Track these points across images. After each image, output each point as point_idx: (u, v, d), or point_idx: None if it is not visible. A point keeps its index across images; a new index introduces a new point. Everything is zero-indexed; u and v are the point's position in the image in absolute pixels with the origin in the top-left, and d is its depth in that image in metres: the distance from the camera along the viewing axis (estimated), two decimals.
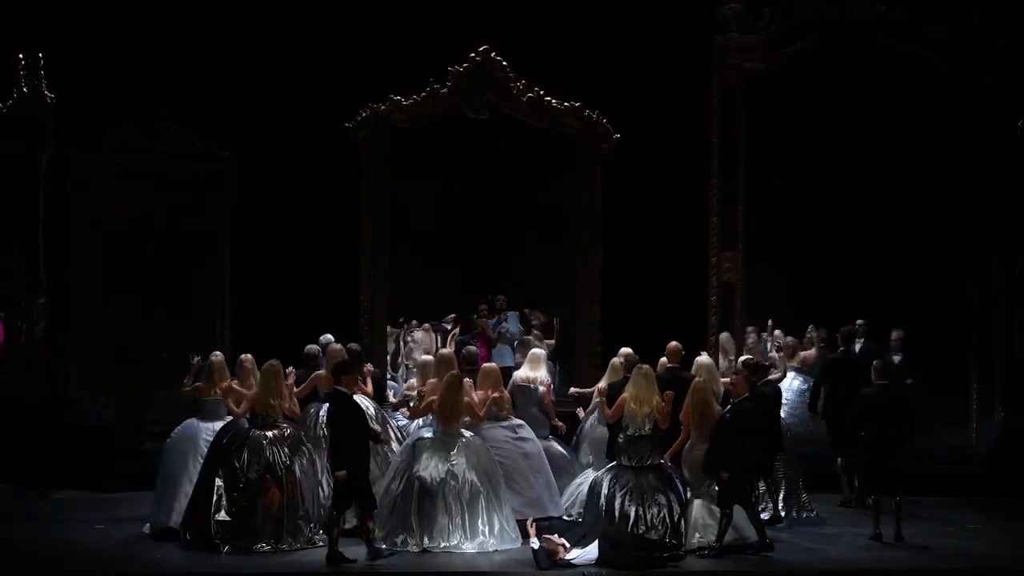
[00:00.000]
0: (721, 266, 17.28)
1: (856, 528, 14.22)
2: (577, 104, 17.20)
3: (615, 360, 14.72)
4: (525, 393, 14.95)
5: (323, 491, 13.47)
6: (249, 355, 14.13)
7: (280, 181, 17.80)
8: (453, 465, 13.38)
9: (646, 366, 13.67)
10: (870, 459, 13.83)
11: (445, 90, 17.23)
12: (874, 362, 14.22)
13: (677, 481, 13.46)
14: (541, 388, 14.96)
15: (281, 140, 17.54)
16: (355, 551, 12.79)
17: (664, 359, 14.74)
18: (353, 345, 15.14)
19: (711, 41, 17.21)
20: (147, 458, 15.13)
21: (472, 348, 15.55)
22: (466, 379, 13.86)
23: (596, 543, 12.64)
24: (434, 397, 13.57)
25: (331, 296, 17.53)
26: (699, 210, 17.63)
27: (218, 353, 14.35)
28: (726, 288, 17.27)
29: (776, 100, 17.26)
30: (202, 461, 13.57)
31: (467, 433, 13.63)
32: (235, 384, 14.01)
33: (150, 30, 17.58)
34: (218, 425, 13.74)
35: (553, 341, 18.18)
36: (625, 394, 13.40)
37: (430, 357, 14.89)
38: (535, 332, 18.29)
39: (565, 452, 15.06)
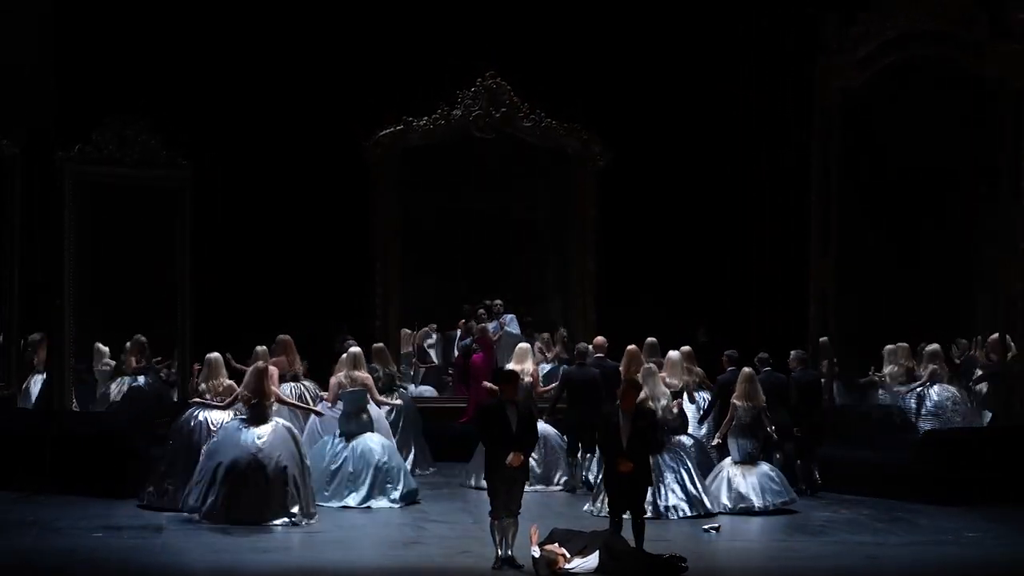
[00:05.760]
0: (822, 274, 17.48)
1: (855, 535, 14.23)
2: (575, 125, 18.30)
3: (521, 345, 16.09)
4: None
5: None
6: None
7: (284, 192, 18.64)
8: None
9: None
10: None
11: (457, 111, 18.25)
12: (792, 352, 16.24)
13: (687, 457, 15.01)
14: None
15: (286, 154, 18.57)
16: None
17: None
18: (283, 337, 16.37)
19: (789, 59, 18.09)
20: (157, 463, 15.13)
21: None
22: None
23: (596, 553, 12.50)
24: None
25: (344, 300, 18.29)
26: (696, 217, 18.93)
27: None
28: (820, 298, 17.53)
29: (865, 115, 17.38)
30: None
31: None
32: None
33: (150, 37, 18.18)
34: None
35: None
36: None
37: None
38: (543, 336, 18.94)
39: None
